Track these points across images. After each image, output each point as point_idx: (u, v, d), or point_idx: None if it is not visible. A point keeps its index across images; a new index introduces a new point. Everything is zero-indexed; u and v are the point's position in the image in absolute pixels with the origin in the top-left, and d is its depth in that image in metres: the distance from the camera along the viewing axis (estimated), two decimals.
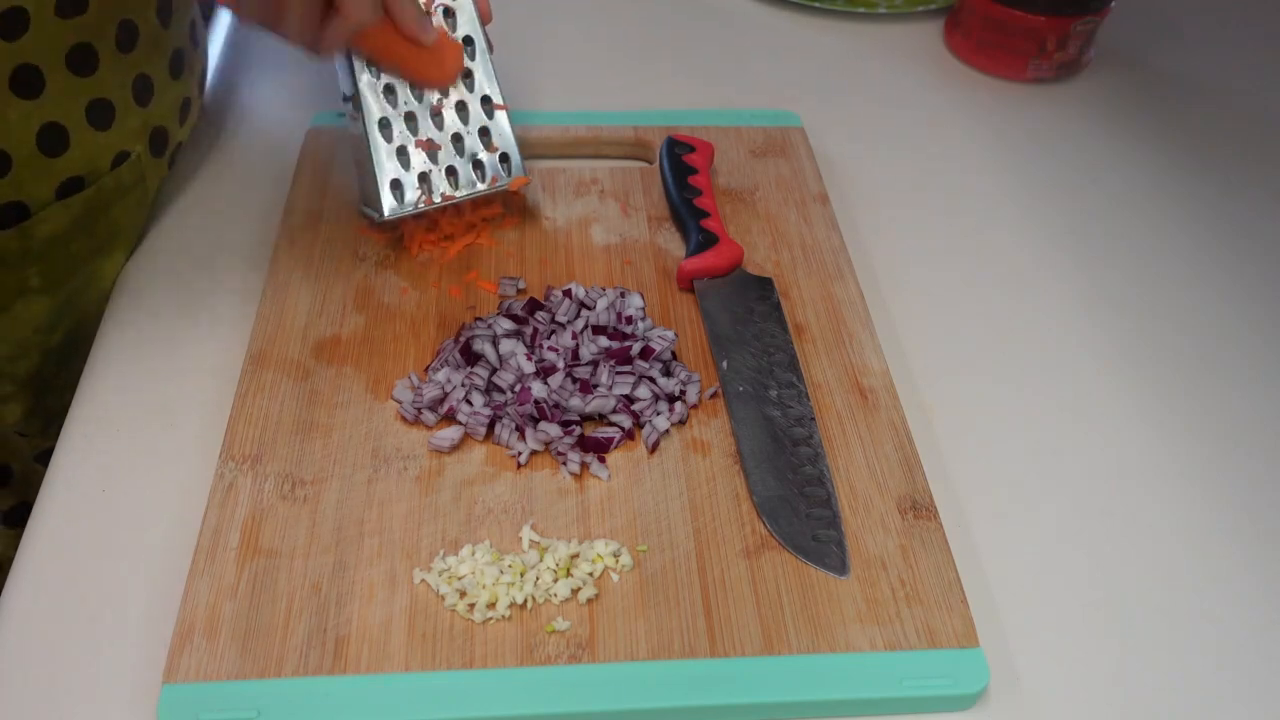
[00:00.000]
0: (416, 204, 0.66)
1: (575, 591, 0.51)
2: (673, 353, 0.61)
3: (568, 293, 0.63)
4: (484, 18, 0.69)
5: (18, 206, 0.62)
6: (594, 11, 0.96)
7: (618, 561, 0.52)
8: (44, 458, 0.74)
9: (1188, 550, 0.57)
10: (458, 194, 0.67)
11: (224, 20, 0.91)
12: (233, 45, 0.89)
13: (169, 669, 0.47)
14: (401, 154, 0.66)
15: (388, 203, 0.65)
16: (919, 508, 0.55)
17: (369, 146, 0.65)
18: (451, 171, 0.67)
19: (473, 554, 0.52)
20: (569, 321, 0.62)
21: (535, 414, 0.57)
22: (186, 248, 0.68)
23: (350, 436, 0.57)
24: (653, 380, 0.59)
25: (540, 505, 0.55)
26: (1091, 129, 0.87)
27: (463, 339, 0.60)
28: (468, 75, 0.68)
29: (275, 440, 0.56)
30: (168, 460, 0.57)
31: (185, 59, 0.71)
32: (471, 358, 0.60)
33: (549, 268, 0.68)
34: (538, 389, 0.57)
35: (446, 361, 0.60)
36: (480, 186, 0.67)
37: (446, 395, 0.58)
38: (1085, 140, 0.85)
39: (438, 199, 0.66)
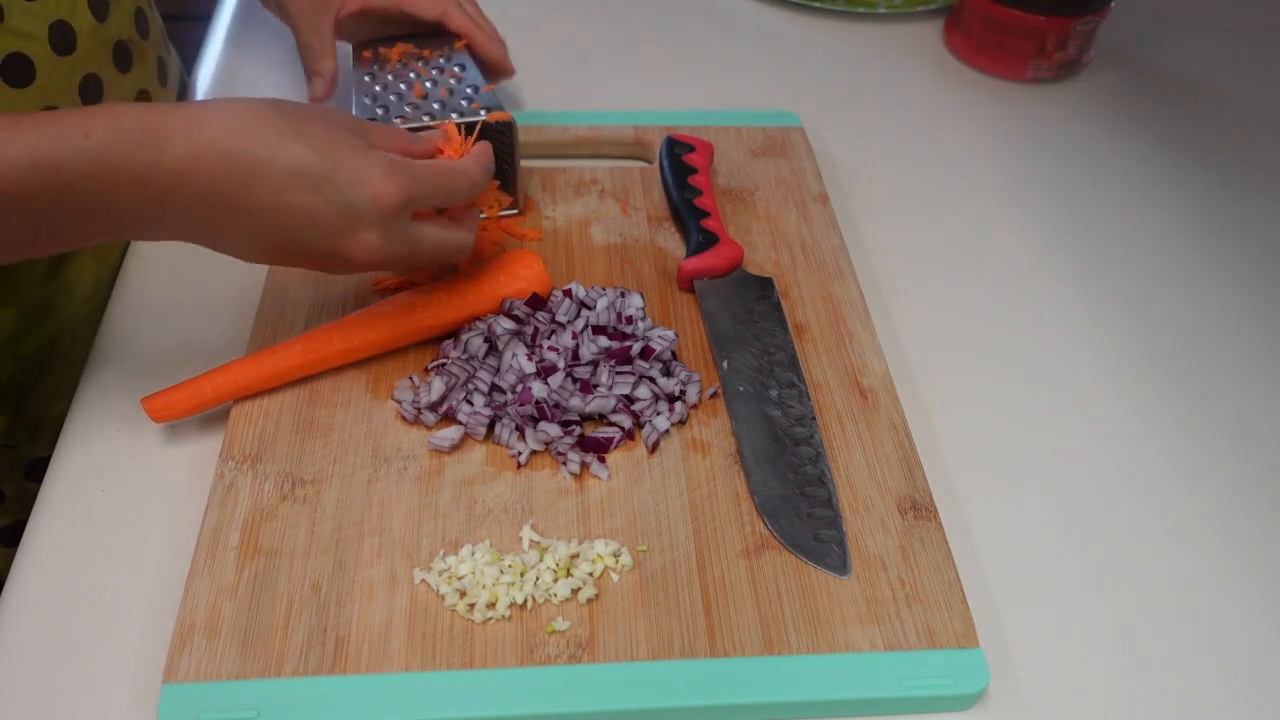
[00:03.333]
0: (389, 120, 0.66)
1: (575, 591, 0.51)
2: (673, 353, 0.61)
3: (568, 292, 0.63)
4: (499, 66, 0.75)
5: None
6: (594, 11, 0.96)
7: (618, 561, 0.52)
8: (35, 471, 0.74)
9: (1187, 550, 0.57)
10: (429, 121, 0.66)
11: (224, 19, 0.91)
12: (232, 43, 0.89)
13: (169, 669, 0.47)
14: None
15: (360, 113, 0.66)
16: (919, 508, 0.55)
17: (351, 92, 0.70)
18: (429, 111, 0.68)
19: (473, 554, 0.52)
20: (569, 321, 0.62)
21: (535, 414, 0.57)
22: (185, 248, 0.68)
23: (350, 436, 0.57)
24: (653, 380, 0.59)
25: (540, 505, 0.55)
26: (1091, 129, 0.87)
27: (463, 339, 0.60)
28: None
29: (275, 440, 0.56)
30: (168, 460, 0.57)
31: (132, 51, 0.70)
32: (472, 358, 0.59)
33: (549, 267, 0.68)
34: (538, 389, 0.57)
35: (447, 361, 0.60)
36: (455, 117, 0.67)
37: (447, 395, 0.58)
38: (1085, 140, 0.85)
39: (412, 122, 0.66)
